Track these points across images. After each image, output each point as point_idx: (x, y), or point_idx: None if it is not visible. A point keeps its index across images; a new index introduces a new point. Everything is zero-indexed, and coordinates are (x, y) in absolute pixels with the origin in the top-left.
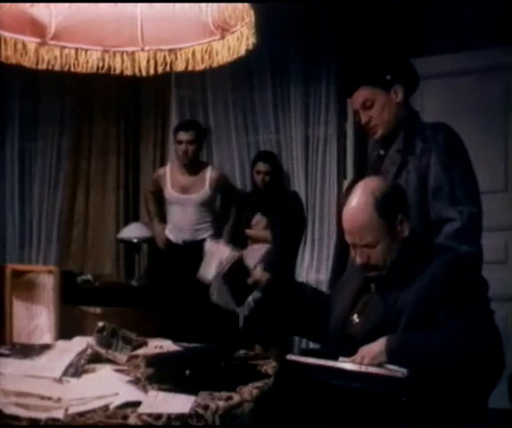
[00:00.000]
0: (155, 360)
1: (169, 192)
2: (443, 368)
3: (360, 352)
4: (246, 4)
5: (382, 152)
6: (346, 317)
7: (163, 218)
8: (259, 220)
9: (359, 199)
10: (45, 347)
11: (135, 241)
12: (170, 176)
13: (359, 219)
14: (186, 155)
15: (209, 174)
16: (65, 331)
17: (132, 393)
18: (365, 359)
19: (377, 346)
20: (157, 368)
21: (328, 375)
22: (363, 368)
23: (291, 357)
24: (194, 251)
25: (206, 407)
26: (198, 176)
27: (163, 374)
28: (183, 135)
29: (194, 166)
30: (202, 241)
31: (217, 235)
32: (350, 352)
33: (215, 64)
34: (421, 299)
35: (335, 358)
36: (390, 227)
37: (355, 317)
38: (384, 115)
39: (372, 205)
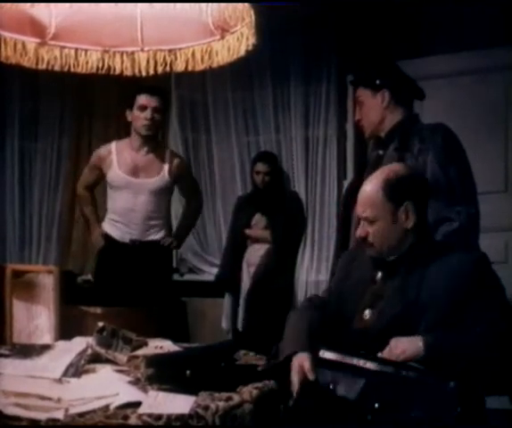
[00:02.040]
0: (155, 361)
1: (116, 173)
2: (490, 367)
3: (393, 347)
4: (246, 4)
5: (381, 152)
6: (354, 311)
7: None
8: (258, 220)
9: (376, 176)
10: (46, 347)
11: None
12: (117, 154)
13: (365, 191)
14: (152, 123)
15: (168, 157)
16: (65, 331)
17: (132, 394)
18: (400, 356)
19: (413, 342)
20: (157, 369)
21: (365, 375)
22: (403, 373)
23: (324, 354)
24: (143, 253)
25: (206, 408)
26: (155, 157)
27: (163, 374)
28: (148, 100)
29: (154, 142)
30: (154, 243)
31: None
32: (362, 347)
33: (215, 64)
34: (451, 296)
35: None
36: (393, 210)
37: (366, 312)
38: (369, 116)
39: (382, 183)
